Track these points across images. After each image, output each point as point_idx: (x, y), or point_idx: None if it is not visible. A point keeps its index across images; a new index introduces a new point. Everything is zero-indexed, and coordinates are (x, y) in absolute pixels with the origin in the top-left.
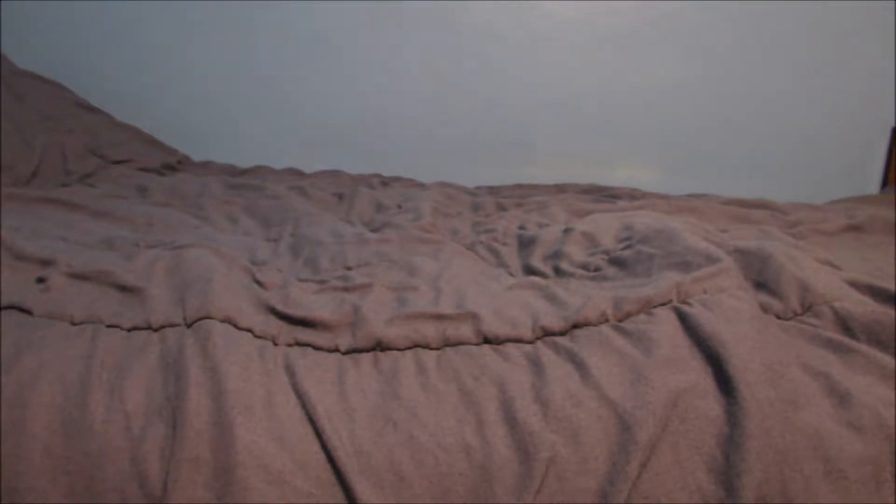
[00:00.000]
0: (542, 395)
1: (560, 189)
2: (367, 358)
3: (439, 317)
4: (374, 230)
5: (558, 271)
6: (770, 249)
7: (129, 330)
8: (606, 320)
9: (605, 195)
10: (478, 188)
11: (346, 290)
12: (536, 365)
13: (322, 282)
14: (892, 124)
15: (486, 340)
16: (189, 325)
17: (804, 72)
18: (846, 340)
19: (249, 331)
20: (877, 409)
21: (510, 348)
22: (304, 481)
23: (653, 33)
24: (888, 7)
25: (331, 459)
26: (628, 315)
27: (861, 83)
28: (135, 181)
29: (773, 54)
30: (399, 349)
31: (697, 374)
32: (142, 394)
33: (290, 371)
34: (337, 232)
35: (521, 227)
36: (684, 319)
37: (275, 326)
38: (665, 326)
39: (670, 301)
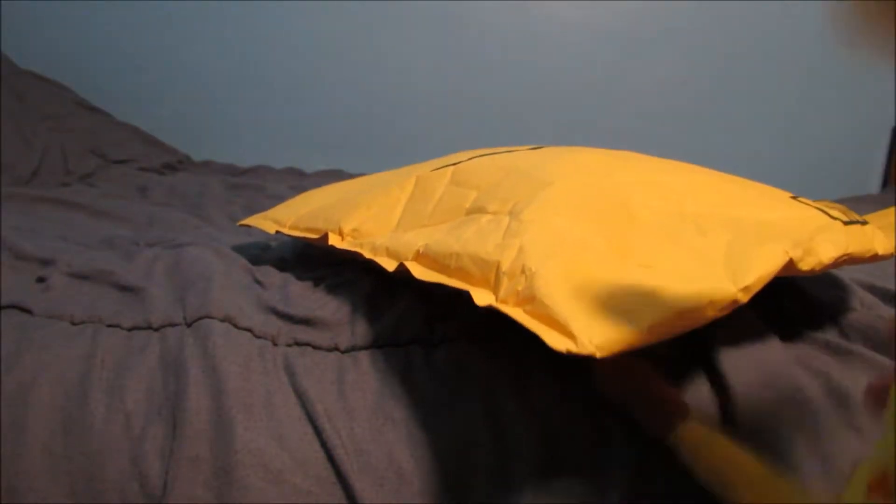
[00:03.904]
0: (526, 390)
1: None
2: (365, 356)
3: (433, 314)
4: None
5: None
6: None
7: (129, 329)
8: None
9: None
10: None
11: (344, 288)
12: (522, 362)
13: (320, 279)
14: (893, 124)
15: (474, 337)
16: (189, 325)
17: (804, 72)
18: (843, 343)
19: (249, 330)
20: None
21: (497, 345)
22: (304, 480)
23: (653, 34)
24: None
25: (330, 458)
26: None
27: (861, 83)
28: (135, 181)
29: (773, 55)
30: (397, 346)
31: (694, 374)
32: (142, 393)
33: (290, 370)
34: None
35: None
36: None
37: (275, 326)
38: None
39: None
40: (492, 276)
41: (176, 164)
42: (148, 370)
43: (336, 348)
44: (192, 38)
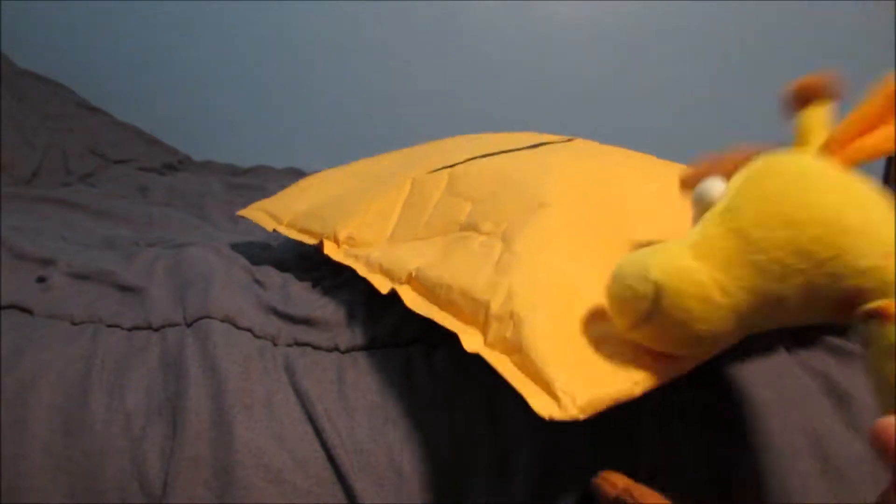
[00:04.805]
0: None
1: None
2: (365, 356)
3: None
4: None
5: None
6: None
7: (129, 330)
8: None
9: None
10: None
11: (344, 288)
12: None
13: (320, 279)
14: None
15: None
16: (189, 325)
17: (804, 72)
18: (843, 343)
19: (249, 330)
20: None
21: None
22: (304, 480)
23: (653, 34)
24: (888, 7)
25: (330, 458)
26: None
27: (861, 83)
28: (135, 181)
29: (773, 54)
30: (397, 346)
31: (693, 374)
32: (142, 393)
33: (290, 370)
34: None
35: None
36: None
37: (275, 326)
38: None
39: None
40: (481, 316)
41: (176, 164)
42: (148, 370)
43: (336, 348)
44: (192, 39)
